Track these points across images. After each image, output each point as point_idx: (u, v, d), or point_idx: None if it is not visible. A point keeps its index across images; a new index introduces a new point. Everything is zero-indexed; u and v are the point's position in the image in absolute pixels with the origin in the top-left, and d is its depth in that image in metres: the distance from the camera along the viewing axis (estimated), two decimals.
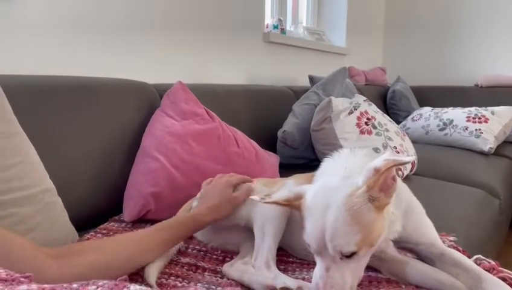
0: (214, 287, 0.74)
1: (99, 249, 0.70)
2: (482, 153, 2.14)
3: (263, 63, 2.30)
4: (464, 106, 2.47)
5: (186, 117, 1.21)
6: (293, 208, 0.71)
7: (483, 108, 2.33)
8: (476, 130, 2.18)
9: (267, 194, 0.75)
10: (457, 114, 2.34)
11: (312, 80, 2.15)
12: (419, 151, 1.80)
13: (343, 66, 1.90)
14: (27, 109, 0.97)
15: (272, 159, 1.45)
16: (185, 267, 0.82)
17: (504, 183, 1.80)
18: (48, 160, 0.91)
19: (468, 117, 2.26)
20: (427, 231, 0.75)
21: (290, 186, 0.93)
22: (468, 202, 1.40)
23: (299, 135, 1.60)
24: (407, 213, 0.73)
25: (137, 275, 0.75)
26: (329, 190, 0.65)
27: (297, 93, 2.08)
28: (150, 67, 1.60)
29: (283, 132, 1.61)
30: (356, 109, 1.51)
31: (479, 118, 2.24)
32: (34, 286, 0.38)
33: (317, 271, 0.64)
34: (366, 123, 1.49)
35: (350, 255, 0.61)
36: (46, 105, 1.03)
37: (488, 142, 2.12)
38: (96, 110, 1.13)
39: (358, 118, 1.49)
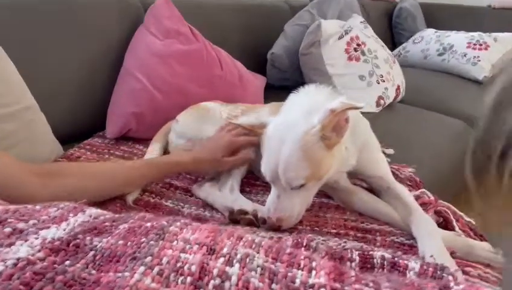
0: (182, 204, 0.83)
1: (81, 173, 0.75)
2: (477, 82, 2.13)
3: None
4: (473, 28, 2.37)
5: (169, 36, 1.20)
6: (255, 135, 0.77)
7: (487, 34, 2.25)
8: (474, 57, 2.14)
9: (235, 115, 0.80)
10: (459, 39, 2.27)
11: None
12: (411, 78, 1.80)
13: None
14: (7, 26, 0.97)
15: (257, 82, 1.46)
16: (159, 185, 0.90)
17: None
18: (30, 77, 0.94)
19: (469, 43, 2.20)
20: (378, 166, 0.81)
21: (263, 114, 0.98)
22: (445, 133, 1.45)
23: (288, 58, 1.59)
24: (363, 149, 0.79)
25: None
26: (287, 126, 0.70)
27: (294, 8, 1.99)
28: None
29: (271, 54, 1.60)
30: (347, 34, 1.48)
31: (480, 45, 2.17)
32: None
33: (270, 197, 0.72)
34: (355, 49, 1.47)
35: (299, 187, 0.68)
36: (27, 21, 1.02)
37: (484, 71, 2.09)
38: (78, 26, 1.13)
39: (348, 44, 1.47)
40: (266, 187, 0.93)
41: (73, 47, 1.11)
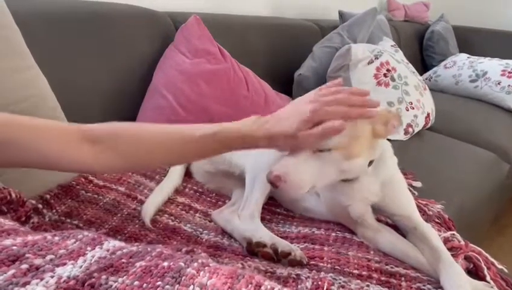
0: (200, 229, 0.82)
1: (137, 142, 0.66)
2: (509, 111, 2.05)
3: None
4: (508, 54, 2.30)
5: (198, 55, 1.21)
6: None
7: None
8: (508, 85, 2.06)
9: None
10: (493, 66, 2.20)
11: (342, 16, 2.03)
12: (441, 104, 1.75)
13: (374, 7, 1.77)
14: (38, 36, 0.98)
15: (283, 103, 1.45)
16: (180, 207, 0.90)
17: None
18: (59, 89, 0.94)
19: (503, 71, 2.12)
20: (404, 204, 0.78)
21: None
22: (475, 165, 1.39)
23: (315, 79, 1.57)
24: (387, 185, 0.76)
25: (134, 210, 0.83)
26: None
27: (323, 29, 1.99)
28: None
29: (298, 75, 1.58)
30: (377, 58, 1.45)
31: None
32: (19, 239, 0.44)
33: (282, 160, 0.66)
34: (384, 75, 1.43)
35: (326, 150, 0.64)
36: (58, 32, 1.04)
37: None
38: (108, 41, 1.14)
39: (378, 69, 1.44)
40: (287, 216, 0.91)
41: (102, 62, 1.12)
